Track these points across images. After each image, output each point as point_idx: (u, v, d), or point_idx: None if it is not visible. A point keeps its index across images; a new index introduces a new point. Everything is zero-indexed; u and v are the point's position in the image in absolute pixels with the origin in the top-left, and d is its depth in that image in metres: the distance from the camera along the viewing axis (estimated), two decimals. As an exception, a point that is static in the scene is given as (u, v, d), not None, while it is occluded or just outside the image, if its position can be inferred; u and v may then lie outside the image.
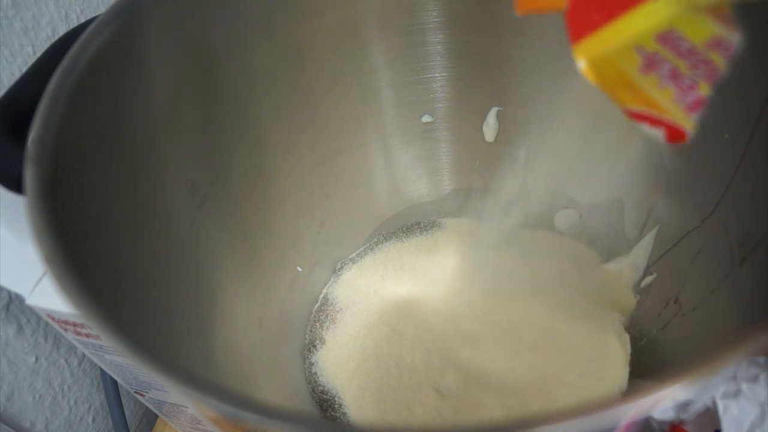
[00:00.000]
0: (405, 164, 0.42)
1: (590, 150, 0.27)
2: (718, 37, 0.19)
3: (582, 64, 0.20)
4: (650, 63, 0.20)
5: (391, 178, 0.42)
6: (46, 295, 0.29)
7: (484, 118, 0.40)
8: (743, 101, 0.27)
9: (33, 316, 0.38)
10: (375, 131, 0.40)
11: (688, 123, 0.21)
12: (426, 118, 0.40)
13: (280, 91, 0.35)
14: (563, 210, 0.40)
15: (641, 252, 0.36)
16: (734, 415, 0.25)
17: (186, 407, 0.37)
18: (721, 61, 0.19)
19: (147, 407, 0.40)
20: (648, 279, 0.36)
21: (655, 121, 0.21)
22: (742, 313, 0.25)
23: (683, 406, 0.22)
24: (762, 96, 0.25)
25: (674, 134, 0.21)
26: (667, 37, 0.19)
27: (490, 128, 0.40)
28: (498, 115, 0.39)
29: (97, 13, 0.27)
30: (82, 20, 0.39)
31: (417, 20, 0.36)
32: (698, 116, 0.21)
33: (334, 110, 0.38)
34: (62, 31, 0.37)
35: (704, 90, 0.20)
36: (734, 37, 0.19)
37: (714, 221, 0.29)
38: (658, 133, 0.21)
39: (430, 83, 0.39)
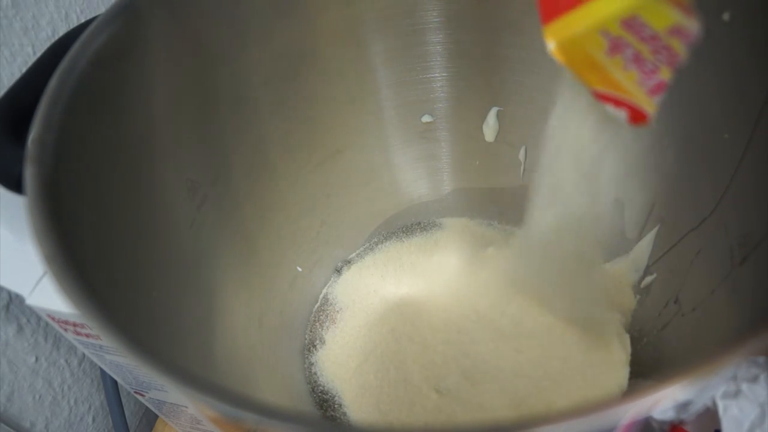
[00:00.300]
0: (405, 164, 0.42)
1: (590, 150, 0.27)
2: (678, 24, 0.19)
3: (551, 45, 0.21)
4: (615, 46, 0.20)
5: (391, 178, 0.42)
6: (46, 295, 0.29)
7: (484, 118, 0.40)
8: (743, 102, 0.27)
9: (33, 316, 0.38)
10: (375, 131, 0.40)
11: (650, 105, 0.21)
12: (426, 118, 0.40)
13: (280, 91, 0.35)
14: (563, 209, 0.40)
15: (641, 252, 0.36)
16: (734, 415, 0.25)
17: (186, 407, 0.37)
18: (681, 48, 0.20)
19: (147, 407, 0.40)
20: (648, 279, 0.36)
21: (619, 103, 0.22)
22: (742, 313, 0.25)
23: (683, 406, 0.22)
24: (761, 97, 0.25)
25: (636, 116, 0.22)
26: (630, 23, 0.19)
27: (490, 128, 0.40)
28: (498, 115, 0.39)
29: (97, 13, 0.27)
30: (82, 20, 0.39)
31: (417, 20, 0.36)
32: (659, 99, 0.21)
33: (334, 110, 0.38)
34: (62, 31, 0.37)
35: (665, 74, 0.21)
36: (693, 26, 0.19)
37: (714, 221, 0.29)
38: (622, 114, 0.22)
39: (430, 83, 0.39)
